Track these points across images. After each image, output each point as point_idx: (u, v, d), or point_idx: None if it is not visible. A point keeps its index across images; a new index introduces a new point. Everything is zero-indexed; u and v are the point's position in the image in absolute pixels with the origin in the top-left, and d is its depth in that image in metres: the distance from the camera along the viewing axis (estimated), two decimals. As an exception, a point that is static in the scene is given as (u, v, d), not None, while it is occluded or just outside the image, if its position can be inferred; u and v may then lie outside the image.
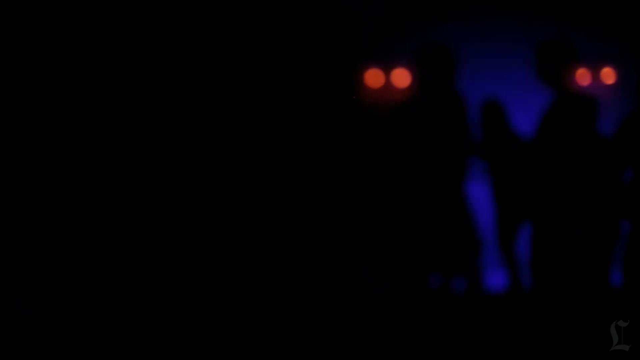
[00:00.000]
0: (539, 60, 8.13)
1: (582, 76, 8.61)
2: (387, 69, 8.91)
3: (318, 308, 8.15)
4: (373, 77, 8.89)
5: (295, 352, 7.77)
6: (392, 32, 9.09)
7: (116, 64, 8.62)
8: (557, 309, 7.91)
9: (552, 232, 8.25)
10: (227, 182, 8.63)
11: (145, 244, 8.43)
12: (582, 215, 8.32)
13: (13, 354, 7.53)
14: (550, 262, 8.23)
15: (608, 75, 8.73)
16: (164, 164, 8.63)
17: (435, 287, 8.38)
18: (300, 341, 7.85)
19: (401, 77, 8.85)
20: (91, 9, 8.65)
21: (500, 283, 8.66)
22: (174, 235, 8.50)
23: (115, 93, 8.58)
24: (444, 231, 8.50)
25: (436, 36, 8.64)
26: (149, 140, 8.64)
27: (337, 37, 8.76)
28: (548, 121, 8.32)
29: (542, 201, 8.37)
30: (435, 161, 8.47)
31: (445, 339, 7.79)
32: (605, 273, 8.21)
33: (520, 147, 8.63)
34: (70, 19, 8.69)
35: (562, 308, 7.92)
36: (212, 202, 8.58)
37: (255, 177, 8.67)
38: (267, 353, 7.74)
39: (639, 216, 8.26)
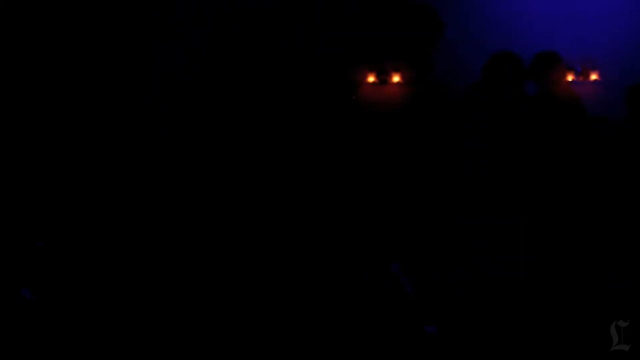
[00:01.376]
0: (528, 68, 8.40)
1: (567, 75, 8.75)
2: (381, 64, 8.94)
3: (318, 308, 8.14)
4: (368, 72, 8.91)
5: (295, 352, 7.76)
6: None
7: (119, 65, 8.66)
8: (558, 309, 7.91)
9: (551, 231, 8.27)
10: (225, 182, 8.63)
11: (144, 242, 8.43)
12: (580, 214, 8.34)
13: (13, 349, 7.53)
14: (552, 262, 8.24)
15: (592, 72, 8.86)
16: (163, 162, 8.63)
17: (434, 285, 8.38)
18: (300, 341, 7.85)
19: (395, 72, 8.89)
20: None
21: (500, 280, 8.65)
22: (172, 233, 8.49)
23: (115, 94, 8.60)
24: (443, 229, 8.51)
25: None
26: (149, 139, 8.65)
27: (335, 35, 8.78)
28: (538, 120, 8.42)
29: (541, 200, 8.38)
30: (432, 157, 8.51)
31: (445, 338, 7.79)
32: (604, 273, 8.22)
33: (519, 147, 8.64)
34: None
35: (562, 308, 7.92)
36: (211, 201, 8.58)
37: (253, 176, 8.66)
38: (267, 353, 7.73)
39: (639, 216, 8.26)
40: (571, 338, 7.58)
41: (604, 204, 8.29)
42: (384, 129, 8.80)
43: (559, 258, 8.24)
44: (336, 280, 8.35)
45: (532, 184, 8.42)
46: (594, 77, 8.76)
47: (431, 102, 8.77)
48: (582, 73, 8.77)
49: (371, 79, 8.81)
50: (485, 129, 8.61)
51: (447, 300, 8.18)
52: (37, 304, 7.90)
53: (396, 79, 8.82)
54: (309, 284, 8.32)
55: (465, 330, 7.86)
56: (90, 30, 8.68)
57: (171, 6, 8.75)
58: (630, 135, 8.27)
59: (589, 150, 8.41)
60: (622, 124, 8.18)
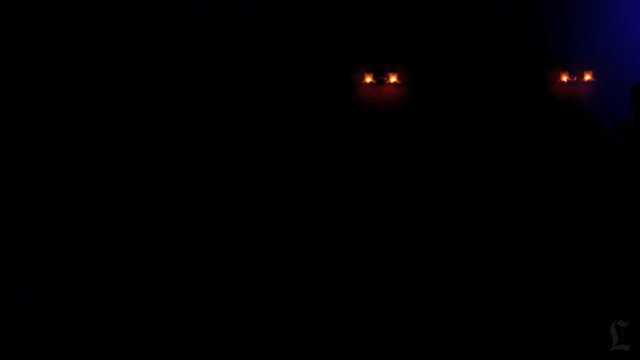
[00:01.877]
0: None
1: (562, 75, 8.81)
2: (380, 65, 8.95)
3: (318, 307, 8.13)
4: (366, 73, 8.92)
5: (296, 352, 7.75)
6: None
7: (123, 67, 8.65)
8: (558, 309, 7.92)
9: (554, 231, 8.29)
10: (225, 181, 8.61)
11: (144, 241, 8.41)
12: (580, 214, 8.35)
13: (13, 347, 7.51)
14: (552, 262, 8.25)
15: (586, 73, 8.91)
16: (163, 162, 8.61)
17: (434, 285, 8.38)
18: (300, 340, 7.83)
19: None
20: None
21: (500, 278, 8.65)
22: (172, 232, 8.48)
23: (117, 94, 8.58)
24: (443, 229, 8.51)
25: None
26: (149, 139, 8.63)
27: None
28: (538, 121, 8.46)
29: (541, 200, 8.40)
30: (432, 157, 8.53)
31: (445, 338, 7.79)
32: (604, 273, 8.23)
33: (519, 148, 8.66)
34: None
35: (562, 308, 7.93)
36: (211, 201, 8.56)
37: (253, 176, 8.65)
38: (268, 352, 7.72)
39: (639, 216, 8.28)
40: (571, 338, 7.58)
41: (604, 204, 8.31)
42: (384, 130, 8.79)
43: (559, 258, 8.26)
44: (336, 280, 8.34)
45: (532, 184, 8.44)
46: (587, 77, 8.78)
47: (430, 102, 8.77)
48: (576, 73, 8.78)
49: (369, 79, 8.81)
50: (485, 129, 8.64)
51: (447, 300, 8.18)
52: (37, 304, 7.88)
53: (393, 79, 8.82)
54: (309, 284, 8.31)
55: (465, 330, 7.86)
56: (91, 30, 8.65)
57: (171, 6, 8.73)
58: (633, 136, 8.29)
59: (589, 151, 8.42)
60: (628, 124, 8.20)
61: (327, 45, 8.81)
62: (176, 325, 7.96)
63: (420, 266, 8.37)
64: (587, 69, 8.80)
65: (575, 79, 8.73)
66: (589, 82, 8.79)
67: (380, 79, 8.86)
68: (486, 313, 8.03)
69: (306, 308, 8.11)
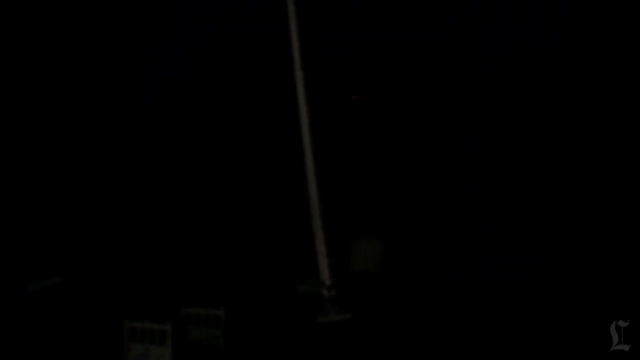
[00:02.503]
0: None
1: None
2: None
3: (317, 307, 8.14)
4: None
5: (296, 350, 7.75)
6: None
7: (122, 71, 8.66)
8: (558, 309, 7.92)
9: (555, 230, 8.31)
10: (225, 181, 8.62)
11: (144, 240, 8.42)
12: (580, 214, 8.37)
13: (13, 347, 7.51)
14: (551, 262, 8.26)
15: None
16: (164, 162, 8.62)
17: (433, 285, 8.39)
18: (301, 339, 7.84)
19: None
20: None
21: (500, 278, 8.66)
22: (171, 231, 8.48)
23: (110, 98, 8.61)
24: (442, 230, 8.53)
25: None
26: (149, 139, 8.65)
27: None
28: (539, 120, 8.49)
29: (540, 200, 8.42)
30: (430, 157, 8.56)
31: (443, 338, 7.79)
32: (604, 273, 8.23)
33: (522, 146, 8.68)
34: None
35: (562, 308, 7.93)
36: (211, 200, 8.57)
37: (253, 175, 8.66)
38: (265, 351, 7.72)
39: (638, 216, 8.30)
40: (571, 338, 7.58)
41: (603, 204, 8.32)
42: (383, 129, 8.81)
43: (557, 258, 8.27)
44: (335, 280, 8.34)
45: (531, 184, 8.45)
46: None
47: (430, 102, 8.79)
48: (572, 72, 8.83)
49: (367, 79, 8.83)
50: (485, 129, 8.65)
51: (446, 301, 8.19)
52: (37, 304, 7.89)
53: (392, 79, 8.84)
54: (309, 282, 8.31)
55: (463, 331, 7.87)
56: (91, 30, 8.67)
57: (171, 6, 8.75)
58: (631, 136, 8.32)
59: (589, 151, 8.44)
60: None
61: (327, 45, 8.82)
62: (175, 323, 7.95)
63: (419, 267, 8.38)
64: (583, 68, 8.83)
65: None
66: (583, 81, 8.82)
67: (378, 79, 8.88)
68: (484, 314, 8.03)
69: (305, 306, 8.12)
